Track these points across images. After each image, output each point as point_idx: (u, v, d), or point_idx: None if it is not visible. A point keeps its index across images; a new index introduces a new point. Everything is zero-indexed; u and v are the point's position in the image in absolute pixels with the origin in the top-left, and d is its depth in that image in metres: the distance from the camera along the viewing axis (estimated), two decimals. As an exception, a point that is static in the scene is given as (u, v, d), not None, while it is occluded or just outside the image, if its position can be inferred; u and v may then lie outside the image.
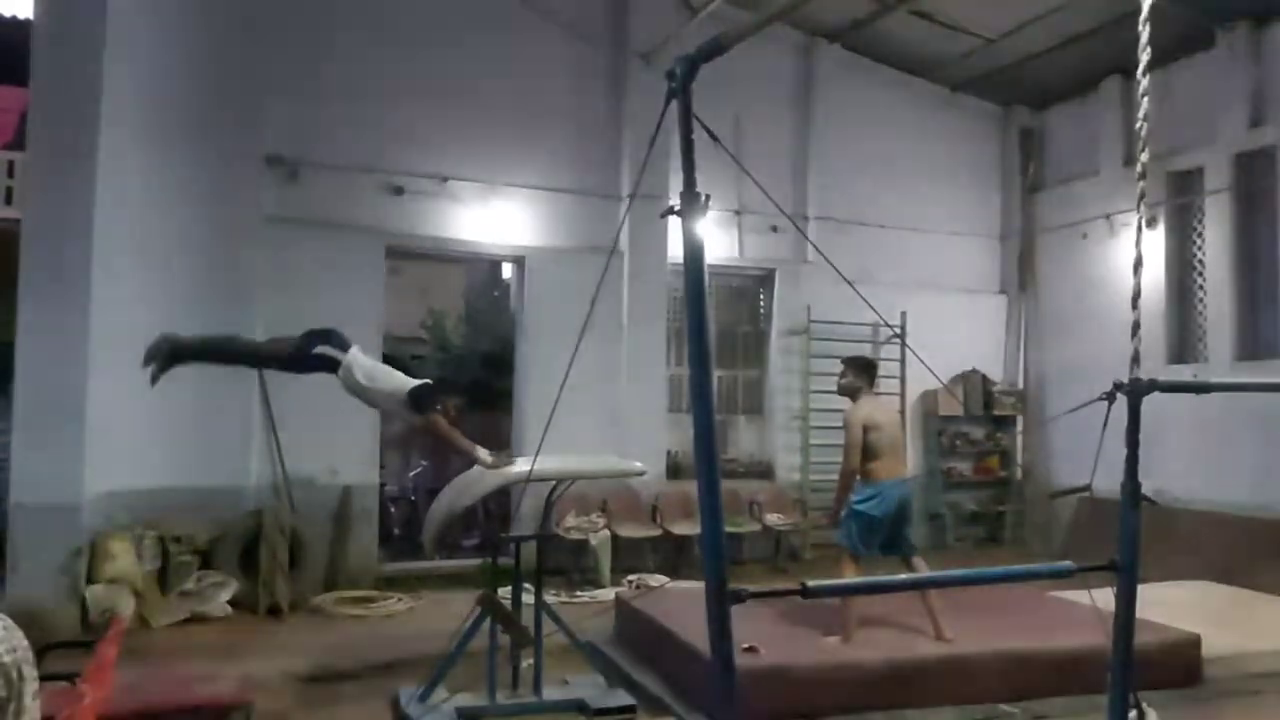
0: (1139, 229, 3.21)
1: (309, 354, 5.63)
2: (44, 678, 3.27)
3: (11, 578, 6.70)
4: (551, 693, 5.45)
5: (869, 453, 5.94)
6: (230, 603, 7.63)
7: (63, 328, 6.94)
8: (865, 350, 10.43)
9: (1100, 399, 3.04)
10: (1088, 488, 3.67)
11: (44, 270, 6.93)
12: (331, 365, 5.57)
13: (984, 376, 11.67)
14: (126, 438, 7.48)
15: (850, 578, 5.70)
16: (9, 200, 8.48)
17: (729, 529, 9.44)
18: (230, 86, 8.41)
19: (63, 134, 7.07)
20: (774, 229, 10.59)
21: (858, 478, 6.00)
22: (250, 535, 7.99)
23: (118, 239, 7.30)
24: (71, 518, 6.95)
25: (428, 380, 5.70)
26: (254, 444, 8.49)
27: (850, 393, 6.20)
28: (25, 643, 2.73)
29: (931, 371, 4.28)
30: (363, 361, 5.59)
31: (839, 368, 6.39)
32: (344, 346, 5.61)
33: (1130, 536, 3.05)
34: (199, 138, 8.23)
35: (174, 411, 7.97)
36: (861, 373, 6.21)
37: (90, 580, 7.02)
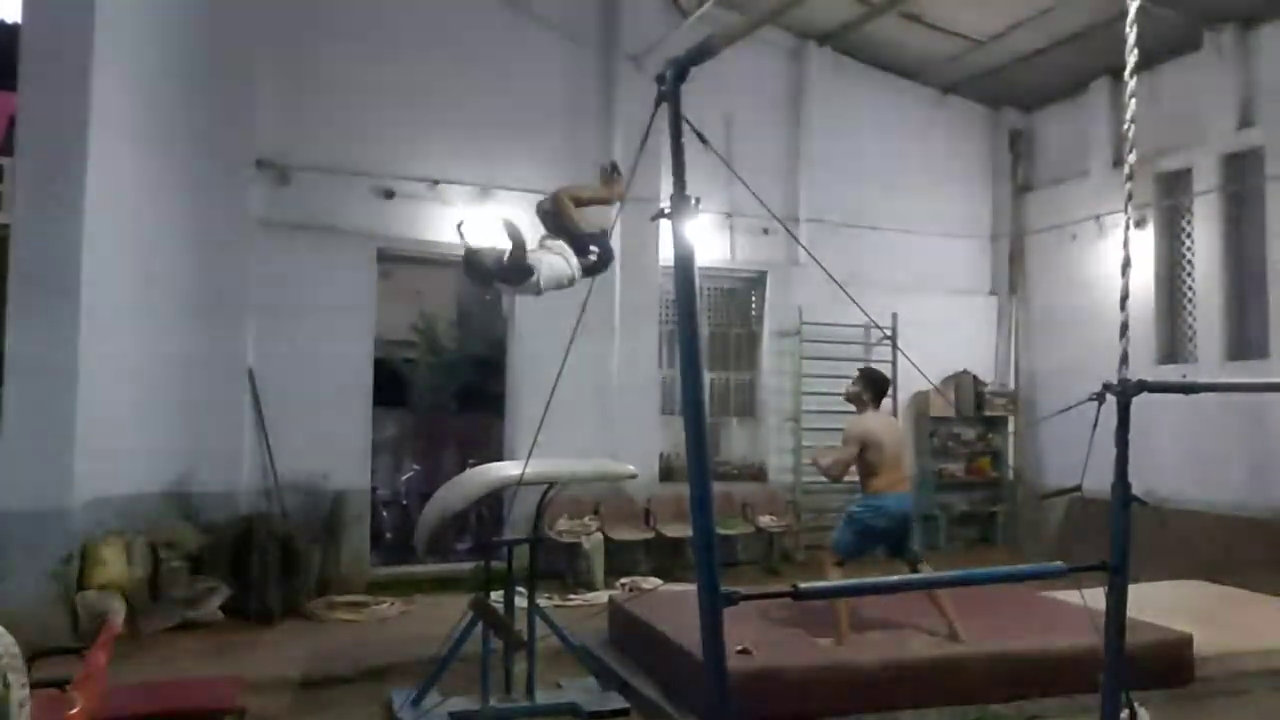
0: (1127, 230, 3.23)
1: (587, 244, 5.73)
2: (35, 684, 3.27)
3: (1, 584, 6.66)
4: (545, 696, 5.46)
5: (869, 469, 5.97)
6: (222, 608, 7.59)
7: (52, 333, 6.90)
8: (856, 351, 10.52)
9: (1090, 400, 3.06)
10: (1078, 488, 3.67)
11: (33, 275, 6.88)
12: (582, 252, 5.67)
13: (975, 377, 11.69)
14: (117, 443, 7.45)
15: (833, 579, 5.74)
16: (-2, 205, 8.44)
17: (722, 531, 9.47)
18: (220, 90, 8.38)
19: (52, 139, 7.02)
20: (765, 231, 10.60)
21: (860, 489, 6.08)
22: (242, 540, 7.95)
23: (107, 243, 7.27)
24: (62, 523, 6.91)
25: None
26: (245, 449, 8.47)
27: (854, 402, 6.23)
28: (15, 649, 2.73)
29: (922, 373, 4.30)
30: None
31: (852, 373, 6.43)
32: (605, 263, 5.75)
33: (1121, 536, 3.06)
34: (189, 142, 8.20)
35: (164, 416, 7.97)
36: (868, 386, 6.19)
37: (81, 586, 6.98)
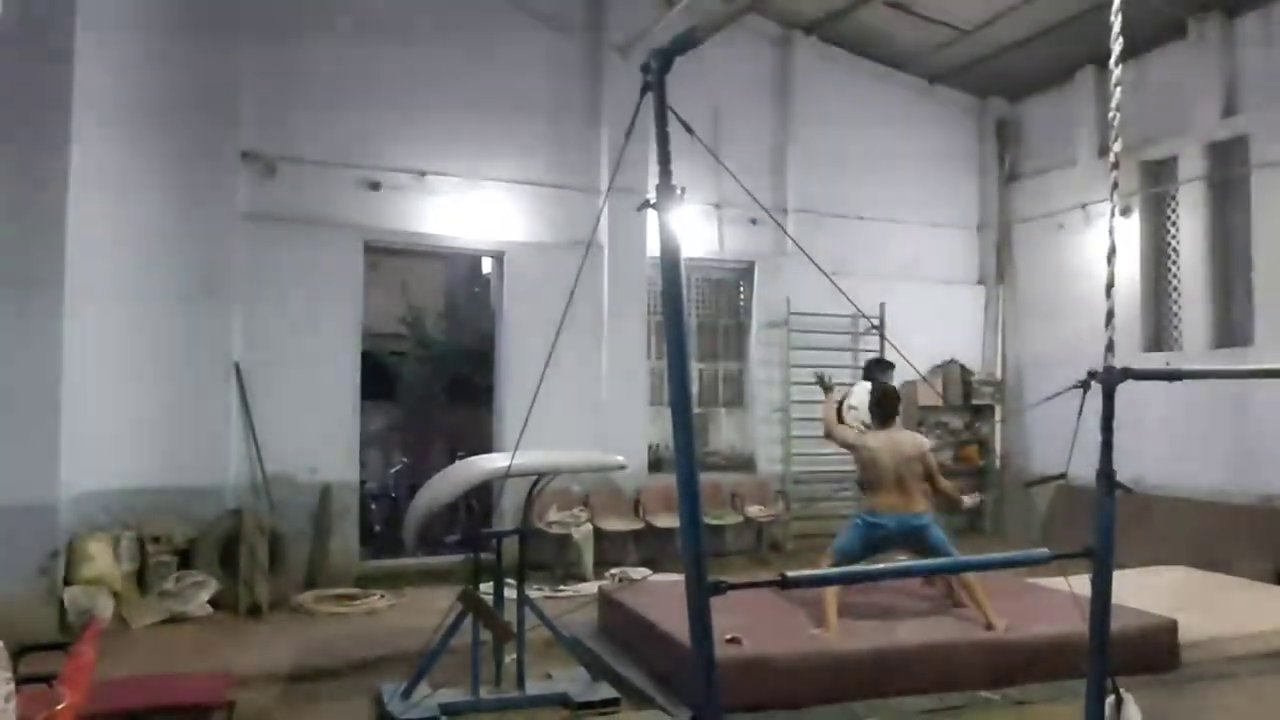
0: (1112, 218, 3.24)
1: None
2: (21, 680, 3.26)
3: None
4: (535, 687, 5.46)
5: (866, 485, 6.09)
6: (210, 602, 7.57)
7: (37, 327, 6.86)
8: (844, 341, 10.54)
9: (1075, 387, 3.07)
10: (1063, 475, 3.69)
11: (16, 269, 6.83)
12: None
13: (962, 367, 11.73)
14: (103, 437, 7.42)
15: None
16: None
17: (711, 521, 9.51)
18: (205, 81, 8.31)
19: (34, 131, 6.96)
20: (753, 222, 10.60)
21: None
22: (230, 535, 7.93)
23: (91, 236, 7.22)
24: (48, 518, 6.88)
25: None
26: (232, 443, 8.42)
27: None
28: (0, 645, 2.71)
29: (909, 363, 4.31)
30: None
31: (840, 363, 6.56)
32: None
33: (1105, 523, 3.08)
34: (173, 134, 8.14)
35: (151, 411, 7.94)
36: (872, 406, 6.22)
37: (68, 581, 6.96)
